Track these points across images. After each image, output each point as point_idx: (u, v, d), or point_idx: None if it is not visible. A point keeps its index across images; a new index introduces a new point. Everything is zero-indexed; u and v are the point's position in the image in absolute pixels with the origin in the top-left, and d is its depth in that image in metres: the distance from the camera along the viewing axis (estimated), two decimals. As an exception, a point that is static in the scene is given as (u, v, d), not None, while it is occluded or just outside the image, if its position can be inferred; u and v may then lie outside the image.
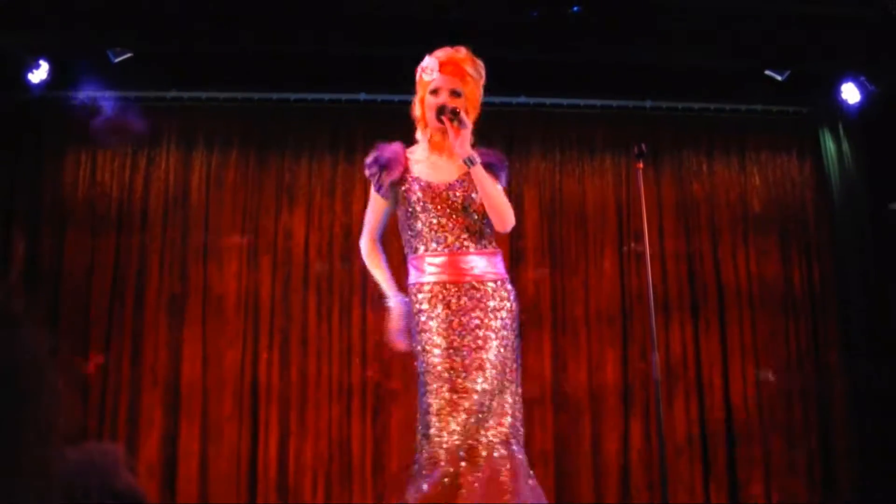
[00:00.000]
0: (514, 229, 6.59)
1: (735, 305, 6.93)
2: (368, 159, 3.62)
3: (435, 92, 3.51)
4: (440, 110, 3.44)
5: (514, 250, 6.77)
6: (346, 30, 6.04)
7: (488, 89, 3.67)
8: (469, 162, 3.38)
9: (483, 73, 3.61)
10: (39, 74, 6.30)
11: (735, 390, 6.78)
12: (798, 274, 7.03)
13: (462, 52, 3.58)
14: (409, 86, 3.71)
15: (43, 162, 6.75)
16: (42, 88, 6.40)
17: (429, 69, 3.53)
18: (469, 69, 3.55)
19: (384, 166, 3.55)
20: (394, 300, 3.58)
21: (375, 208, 3.68)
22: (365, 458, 6.45)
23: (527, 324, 6.70)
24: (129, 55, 6.30)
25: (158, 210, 6.75)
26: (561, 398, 6.66)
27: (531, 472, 3.37)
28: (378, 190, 3.60)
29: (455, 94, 3.50)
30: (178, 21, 5.94)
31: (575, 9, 5.75)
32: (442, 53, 3.56)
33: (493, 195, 3.43)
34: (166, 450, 6.36)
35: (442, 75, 3.51)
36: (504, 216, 3.47)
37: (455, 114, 3.39)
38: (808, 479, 6.66)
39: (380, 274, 3.66)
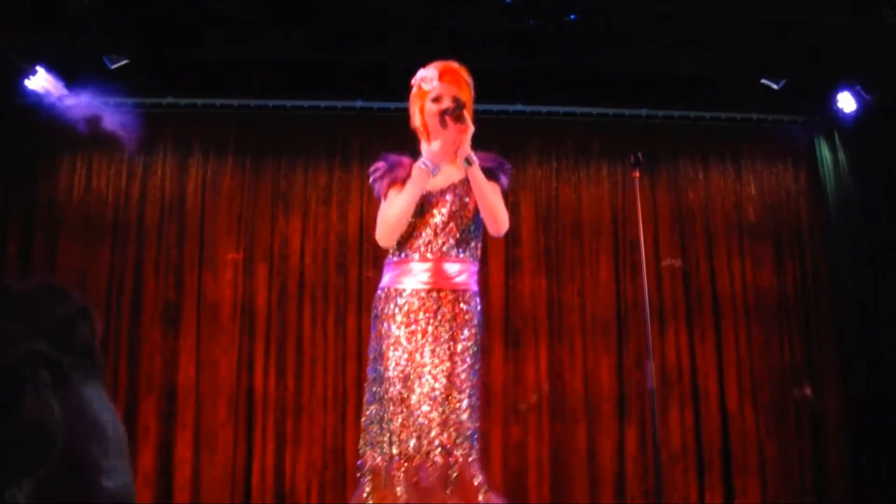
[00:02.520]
0: (510, 237, 6.70)
1: (730, 314, 6.93)
2: (374, 167, 3.62)
3: (437, 99, 3.52)
4: (443, 113, 3.44)
5: (509, 258, 6.78)
6: (342, 38, 6.04)
7: (486, 97, 3.68)
8: (467, 162, 3.39)
9: (471, 82, 3.64)
10: (36, 80, 6.29)
11: (730, 398, 6.78)
12: (792, 282, 7.03)
13: (454, 63, 3.61)
14: (405, 94, 3.71)
15: (38, 168, 6.75)
16: (38, 94, 6.39)
17: (428, 78, 3.53)
18: (464, 77, 3.58)
19: (388, 170, 3.55)
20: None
21: None
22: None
23: (523, 331, 6.72)
24: (125, 62, 6.30)
25: (154, 217, 6.74)
26: (557, 406, 6.66)
27: (484, 483, 3.33)
28: (377, 194, 3.60)
29: (456, 100, 3.50)
30: (175, 28, 5.94)
31: (572, 17, 5.76)
32: (437, 64, 3.58)
33: (489, 197, 3.44)
34: (161, 457, 6.35)
35: (442, 83, 3.52)
36: (498, 219, 3.48)
37: (460, 109, 3.40)
38: (802, 487, 6.66)
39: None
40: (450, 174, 3.56)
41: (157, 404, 6.44)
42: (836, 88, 6.75)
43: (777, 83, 6.61)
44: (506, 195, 3.64)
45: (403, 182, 3.51)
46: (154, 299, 6.60)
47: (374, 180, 3.59)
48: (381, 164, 3.60)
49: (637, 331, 6.67)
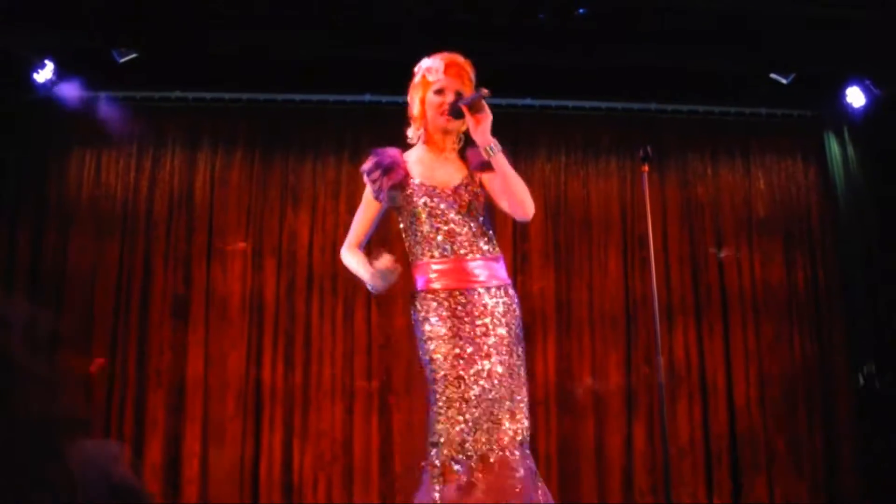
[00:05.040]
0: (519, 231, 6.68)
1: (739, 309, 6.92)
2: (367, 165, 3.55)
3: (440, 92, 3.47)
4: (455, 103, 3.38)
5: (518, 252, 6.78)
6: (351, 32, 6.04)
7: (495, 91, 3.65)
8: (491, 150, 3.32)
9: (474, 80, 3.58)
10: (45, 74, 6.31)
11: (738, 393, 6.77)
12: (802, 278, 7.02)
13: (459, 57, 3.54)
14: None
15: (48, 162, 6.77)
16: (47, 88, 6.41)
17: (434, 69, 3.48)
18: (469, 71, 3.52)
19: (386, 170, 3.50)
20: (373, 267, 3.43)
21: (367, 214, 3.60)
22: (367, 460, 6.45)
23: (532, 326, 6.71)
24: (134, 55, 6.31)
25: (163, 211, 6.76)
26: (565, 401, 6.66)
27: (539, 477, 3.37)
28: (377, 195, 3.54)
29: (459, 95, 3.45)
30: (184, 21, 5.94)
31: (581, 11, 5.76)
32: (442, 56, 3.53)
33: (515, 181, 3.37)
34: (170, 450, 6.36)
35: (447, 77, 3.47)
36: (525, 203, 3.40)
37: (474, 100, 3.31)
38: (812, 482, 6.65)
39: (358, 262, 3.54)
40: (452, 174, 3.52)
41: (166, 398, 6.45)
42: (846, 83, 6.74)
43: (786, 78, 6.59)
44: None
45: (402, 182, 3.49)
46: (163, 293, 6.62)
47: (373, 181, 3.53)
48: (374, 165, 3.54)
49: (645, 326, 6.67)
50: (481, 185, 3.50)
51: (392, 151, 3.58)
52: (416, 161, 3.57)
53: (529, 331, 6.71)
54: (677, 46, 6.18)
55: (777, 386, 6.81)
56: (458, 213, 3.44)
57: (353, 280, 6.54)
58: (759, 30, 6.04)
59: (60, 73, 6.38)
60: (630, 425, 6.67)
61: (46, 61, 6.29)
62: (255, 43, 6.19)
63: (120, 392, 6.42)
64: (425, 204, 3.45)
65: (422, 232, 3.46)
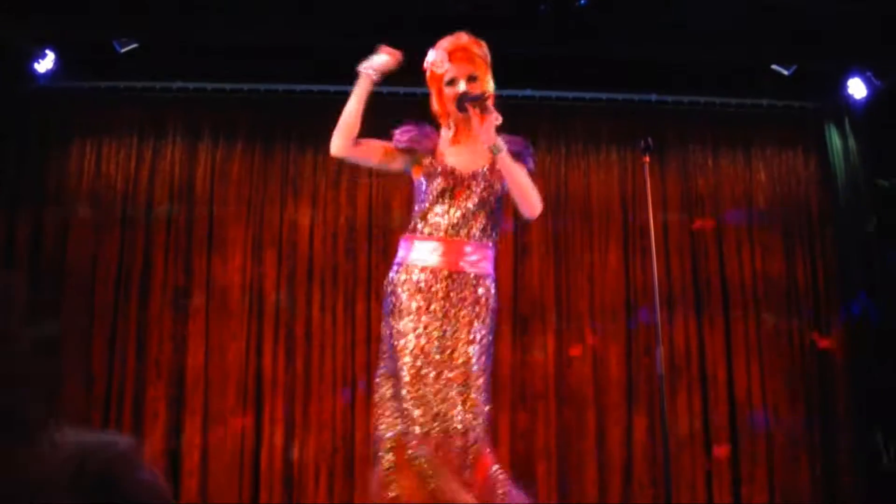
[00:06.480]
0: (519, 222, 6.67)
1: (739, 300, 6.91)
2: (403, 126, 3.55)
3: (452, 82, 3.46)
4: (461, 98, 3.39)
5: (518, 244, 6.77)
6: (351, 22, 6.03)
7: (495, 82, 3.64)
8: (495, 149, 3.32)
9: (488, 52, 3.55)
10: (45, 64, 6.31)
11: (739, 386, 6.76)
12: (802, 270, 7.01)
13: (464, 37, 3.52)
14: (414, 78, 3.66)
15: (48, 153, 6.75)
16: (48, 79, 6.40)
17: (439, 61, 3.46)
18: (477, 51, 3.50)
19: (420, 135, 3.52)
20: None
21: (380, 144, 3.58)
22: (369, 451, 6.44)
23: (531, 318, 6.72)
24: (135, 46, 6.30)
25: (163, 201, 6.75)
26: (565, 392, 6.65)
27: (496, 462, 3.33)
28: (398, 142, 3.53)
29: (472, 79, 3.44)
30: (184, 12, 5.94)
31: (582, 2, 5.75)
32: (446, 43, 3.50)
33: (521, 182, 3.39)
34: (170, 442, 6.36)
35: (454, 64, 3.45)
36: (532, 202, 3.43)
37: (478, 99, 3.32)
38: (811, 475, 6.65)
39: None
40: (474, 159, 3.52)
41: (167, 389, 6.45)
42: (847, 75, 6.73)
43: (787, 69, 6.59)
44: (532, 174, 3.56)
45: (427, 151, 3.51)
46: (164, 284, 6.62)
47: (402, 133, 3.54)
48: (413, 127, 3.55)
49: (646, 317, 6.66)
50: (501, 177, 3.50)
51: (429, 128, 3.59)
52: (445, 141, 3.58)
53: (528, 322, 6.73)
54: (678, 37, 6.17)
55: (777, 378, 6.80)
56: (469, 198, 3.45)
57: (354, 271, 6.62)
58: (761, 20, 6.03)
59: (61, 64, 6.37)
60: (630, 418, 6.67)
61: (47, 51, 6.29)
62: (256, 34, 6.18)
63: (119, 383, 6.43)
64: (439, 184, 3.46)
65: (426, 206, 3.47)
